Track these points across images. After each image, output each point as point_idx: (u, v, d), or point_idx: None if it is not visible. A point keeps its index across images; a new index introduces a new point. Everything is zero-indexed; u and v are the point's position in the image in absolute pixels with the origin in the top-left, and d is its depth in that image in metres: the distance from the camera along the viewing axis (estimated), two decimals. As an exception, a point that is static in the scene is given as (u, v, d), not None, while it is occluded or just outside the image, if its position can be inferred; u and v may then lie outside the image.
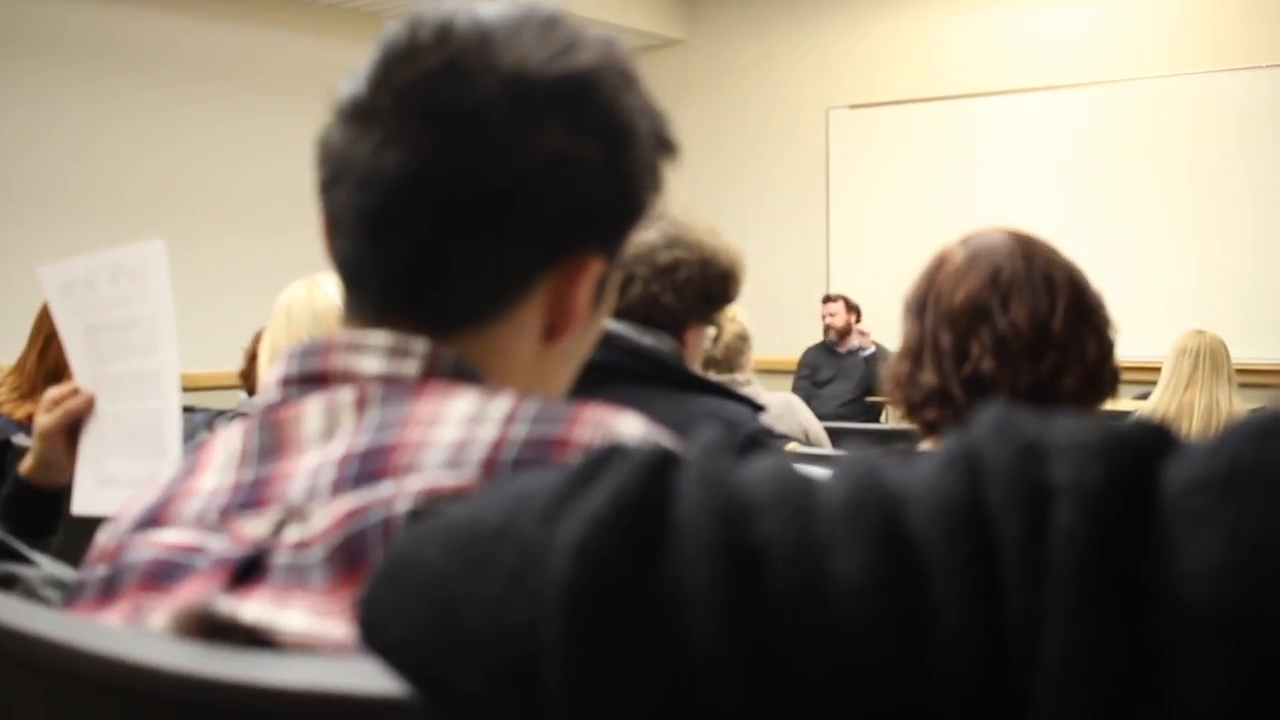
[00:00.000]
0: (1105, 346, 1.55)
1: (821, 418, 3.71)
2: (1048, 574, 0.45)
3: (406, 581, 0.57)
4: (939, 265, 1.59)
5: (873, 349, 6.73)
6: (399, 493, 0.71)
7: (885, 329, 1.72)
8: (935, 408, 1.54)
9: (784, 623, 0.47)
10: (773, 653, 0.47)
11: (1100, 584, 0.44)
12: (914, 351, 1.58)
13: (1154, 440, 0.48)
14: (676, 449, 0.56)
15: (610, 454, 0.56)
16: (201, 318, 5.19)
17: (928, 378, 1.54)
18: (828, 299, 7.18)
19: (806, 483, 0.52)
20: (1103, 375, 1.54)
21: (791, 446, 2.75)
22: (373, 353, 0.80)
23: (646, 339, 1.89)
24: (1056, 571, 0.45)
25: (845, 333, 7.00)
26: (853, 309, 7.04)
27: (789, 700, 0.47)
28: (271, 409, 0.82)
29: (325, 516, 0.72)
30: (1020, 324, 1.50)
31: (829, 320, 7.06)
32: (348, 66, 0.85)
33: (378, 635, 0.58)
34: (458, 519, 0.58)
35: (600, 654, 0.49)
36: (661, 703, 0.48)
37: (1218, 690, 0.42)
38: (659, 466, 0.53)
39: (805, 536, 0.49)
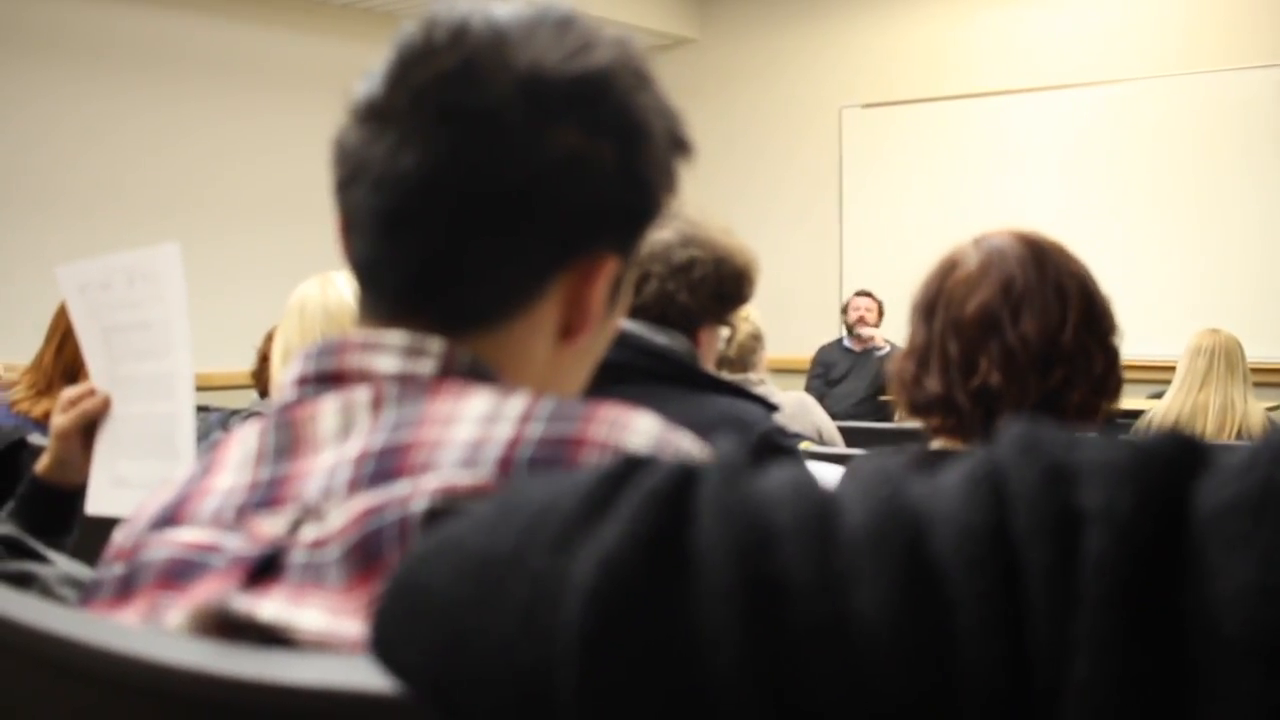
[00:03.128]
0: (1111, 356, 1.54)
1: (835, 417, 3.71)
2: (1077, 603, 0.44)
3: (416, 607, 0.56)
4: (949, 269, 1.58)
5: (888, 348, 6.70)
6: (415, 491, 0.71)
7: (900, 329, 1.71)
8: (939, 415, 1.54)
9: (807, 659, 0.46)
10: (795, 692, 0.46)
11: (1131, 613, 0.43)
12: (920, 354, 1.57)
13: (1183, 459, 0.47)
14: (692, 459, 0.55)
15: (623, 473, 0.54)
16: (214, 316, 5.19)
17: (933, 384, 1.53)
18: (863, 294, 7.06)
19: (826, 505, 0.50)
20: (1108, 386, 1.53)
21: (805, 446, 2.74)
22: (388, 352, 0.81)
23: (660, 338, 1.89)
24: (1086, 601, 0.44)
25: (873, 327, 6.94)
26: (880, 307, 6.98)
27: None
28: (287, 408, 0.82)
29: (341, 515, 0.73)
30: (1030, 337, 1.49)
31: (864, 313, 6.95)
32: (360, 66, 0.86)
33: (390, 658, 0.57)
34: (468, 542, 0.56)
35: (617, 701, 0.48)
36: None
37: (1251, 717, 0.41)
38: (674, 493, 0.52)
39: (826, 569, 0.48)
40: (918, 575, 0.47)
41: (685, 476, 0.53)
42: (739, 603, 0.47)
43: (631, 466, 0.55)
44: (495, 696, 0.51)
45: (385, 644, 0.58)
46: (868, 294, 7.05)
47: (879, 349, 6.83)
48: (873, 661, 0.46)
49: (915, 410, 1.58)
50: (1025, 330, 1.49)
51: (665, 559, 0.49)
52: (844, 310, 7.09)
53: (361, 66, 0.85)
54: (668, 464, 0.54)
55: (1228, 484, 0.45)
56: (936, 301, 1.56)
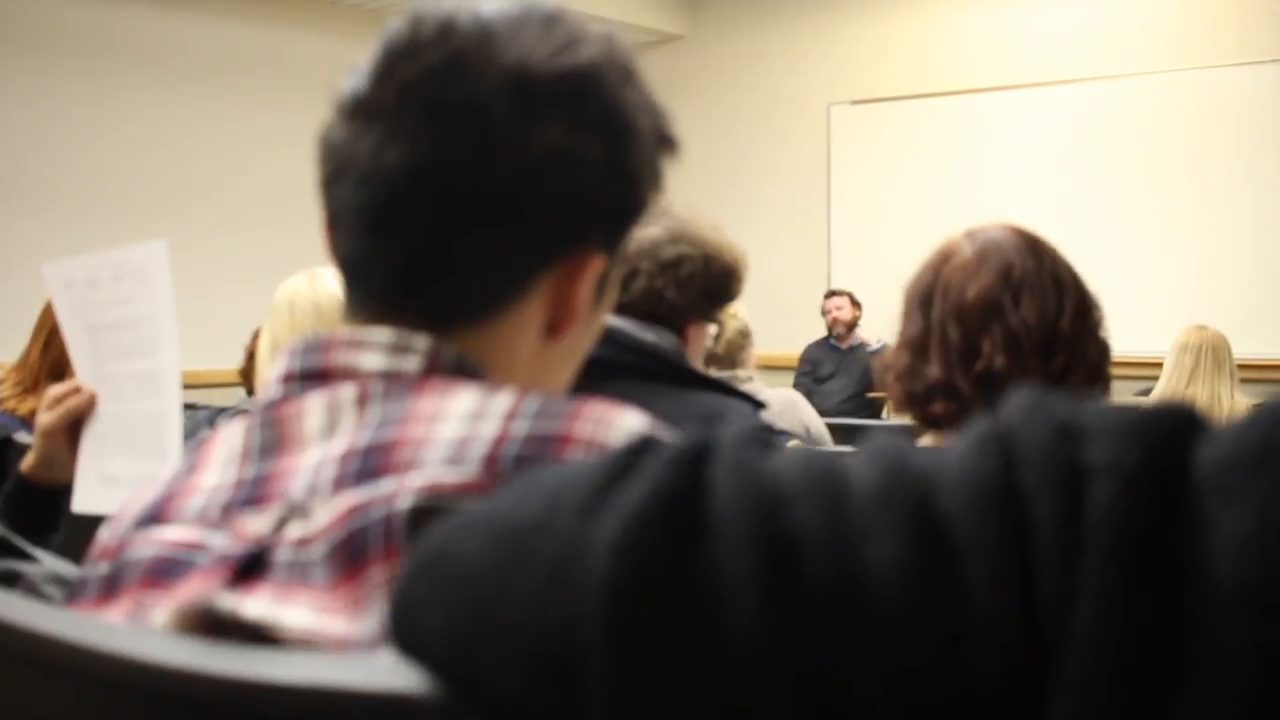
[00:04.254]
0: (1103, 346, 1.56)
1: (823, 414, 3.71)
2: (1082, 553, 0.45)
3: (442, 576, 0.57)
4: (945, 259, 1.58)
5: (876, 344, 6.72)
6: (400, 489, 0.71)
7: (887, 325, 1.72)
8: (941, 401, 1.54)
9: (822, 613, 0.47)
10: (812, 643, 0.47)
11: (1135, 563, 0.45)
12: (917, 344, 1.57)
13: (1186, 421, 0.48)
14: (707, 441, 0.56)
15: (643, 446, 0.56)
16: (203, 315, 5.19)
17: (933, 371, 1.54)
18: (832, 294, 7.15)
19: (837, 470, 0.52)
20: (1102, 375, 1.55)
21: (793, 443, 2.74)
22: (374, 349, 0.81)
23: (648, 335, 1.89)
24: (1092, 550, 0.45)
25: (852, 326, 7.00)
26: (856, 305, 7.03)
27: (829, 689, 0.47)
28: (273, 405, 0.82)
29: (327, 513, 0.73)
30: (1031, 322, 1.50)
31: (836, 314, 7.03)
32: (349, 64, 0.85)
33: (410, 631, 0.58)
34: (494, 513, 0.58)
35: (642, 650, 0.49)
36: (704, 696, 0.48)
37: (1244, 667, 0.42)
38: (692, 459, 0.53)
39: (839, 525, 0.49)
40: (928, 530, 0.48)
41: (701, 447, 0.54)
42: (754, 558, 0.49)
43: (649, 442, 0.57)
44: (522, 654, 0.52)
45: (406, 619, 0.59)
46: (836, 292, 7.11)
47: (868, 345, 6.84)
48: (885, 617, 0.47)
49: (912, 401, 1.58)
50: (1026, 315, 1.50)
51: (685, 516, 0.51)
52: (823, 313, 7.13)
53: (355, 65, 0.85)
54: (685, 438, 0.56)
55: (1228, 442, 0.46)
56: (933, 291, 1.56)
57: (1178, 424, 0.48)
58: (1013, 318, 1.51)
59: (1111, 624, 0.44)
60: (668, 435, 0.77)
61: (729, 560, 0.49)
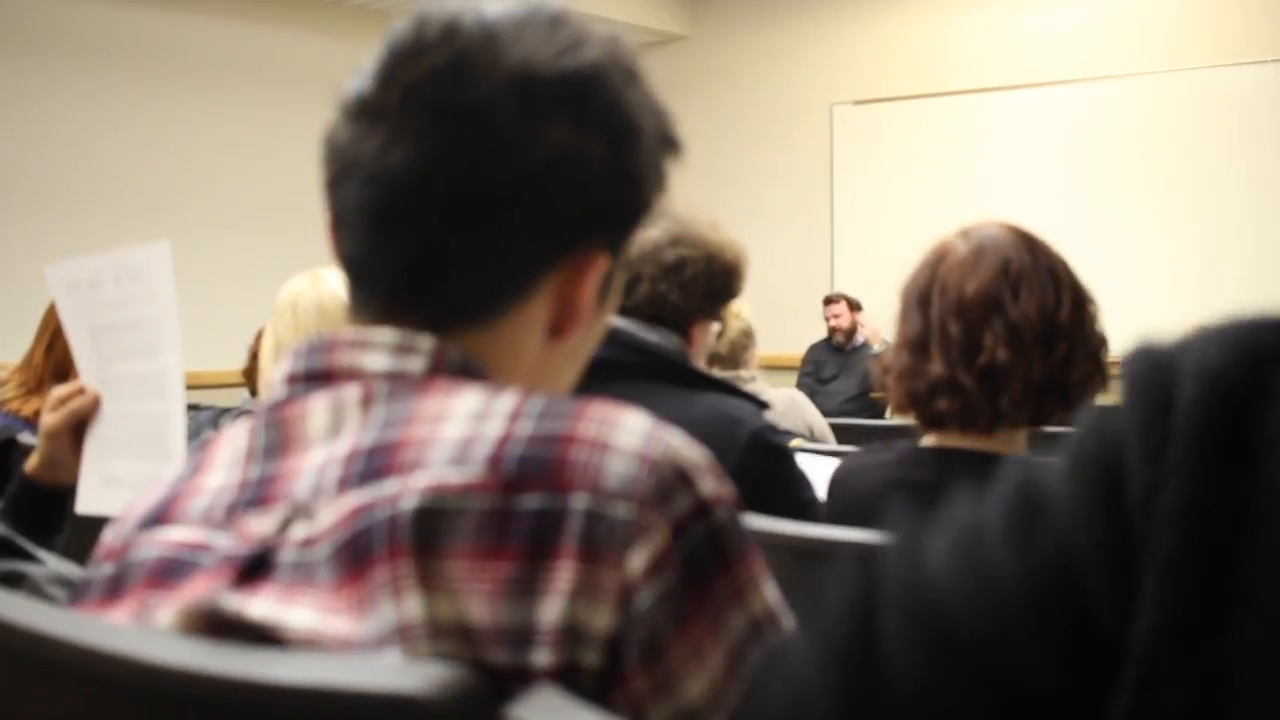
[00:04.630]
0: (1101, 338, 1.58)
1: (826, 414, 3.71)
2: (1169, 443, 0.50)
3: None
4: (940, 257, 1.59)
5: (883, 347, 6.71)
6: (404, 489, 0.71)
7: (889, 325, 1.73)
8: (945, 397, 1.54)
9: (973, 662, 0.53)
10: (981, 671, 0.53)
11: (1215, 446, 0.49)
12: (917, 343, 1.57)
13: (1272, 325, 0.53)
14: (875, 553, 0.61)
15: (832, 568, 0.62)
16: (206, 315, 5.19)
17: (935, 368, 1.54)
18: (829, 300, 7.16)
19: (976, 526, 0.57)
20: (1102, 365, 1.56)
21: (796, 443, 2.74)
22: (378, 350, 0.81)
23: (651, 335, 1.89)
24: (1177, 439, 0.50)
25: (852, 332, 7.01)
26: (855, 307, 7.04)
27: (1006, 688, 0.52)
28: (277, 406, 0.82)
29: (331, 514, 0.73)
30: (1031, 314, 1.51)
31: (834, 321, 7.04)
32: (352, 64, 0.85)
33: None
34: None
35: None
36: None
37: None
38: (869, 563, 0.60)
39: (979, 583, 0.54)
40: (1040, 530, 0.54)
41: (874, 554, 0.60)
42: (924, 658, 0.54)
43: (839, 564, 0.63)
44: None
45: None
46: (832, 299, 7.11)
47: (871, 347, 6.84)
48: (1025, 631, 0.52)
49: (914, 400, 1.58)
50: (1026, 308, 1.52)
51: (865, 621, 0.57)
52: (825, 319, 7.15)
53: (358, 66, 0.85)
54: (871, 552, 0.61)
55: None
56: (931, 289, 1.57)
57: (1264, 328, 0.52)
58: (1013, 311, 1.52)
59: (1193, 501, 0.48)
60: (669, 436, 0.77)
61: (901, 650, 0.55)
